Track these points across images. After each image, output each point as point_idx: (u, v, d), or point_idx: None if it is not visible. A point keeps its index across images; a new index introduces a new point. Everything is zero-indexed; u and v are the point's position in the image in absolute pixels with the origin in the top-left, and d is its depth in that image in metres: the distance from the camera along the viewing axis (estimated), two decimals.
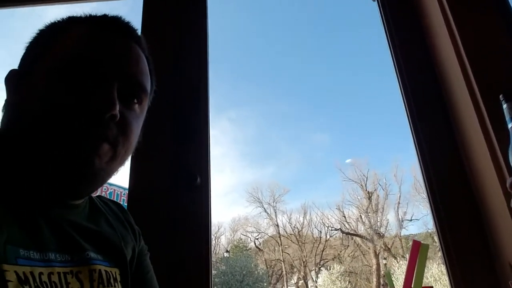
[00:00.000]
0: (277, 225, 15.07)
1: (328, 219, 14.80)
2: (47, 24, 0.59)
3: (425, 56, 1.17)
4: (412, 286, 0.56)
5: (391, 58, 1.21)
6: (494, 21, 1.02)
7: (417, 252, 0.56)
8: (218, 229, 15.54)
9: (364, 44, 18.40)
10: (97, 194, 0.69)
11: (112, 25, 0.58)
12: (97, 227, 0.58)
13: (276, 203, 15.11)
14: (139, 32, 0.63)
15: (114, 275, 0.56)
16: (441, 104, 1.11)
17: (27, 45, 0.58)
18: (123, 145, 0.54)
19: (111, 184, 8.13)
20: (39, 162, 0.49)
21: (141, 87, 0.59)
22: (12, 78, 0.57)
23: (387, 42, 1.23)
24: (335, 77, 18.65)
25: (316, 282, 13.87)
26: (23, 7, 1.40)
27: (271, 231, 15.30)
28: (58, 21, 0.59)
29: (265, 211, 15.14)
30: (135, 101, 0.58)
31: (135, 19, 1.20)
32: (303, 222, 15.06)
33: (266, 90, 19.33)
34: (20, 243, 0.44)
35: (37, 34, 0.59)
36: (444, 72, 1.11)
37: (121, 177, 1.10)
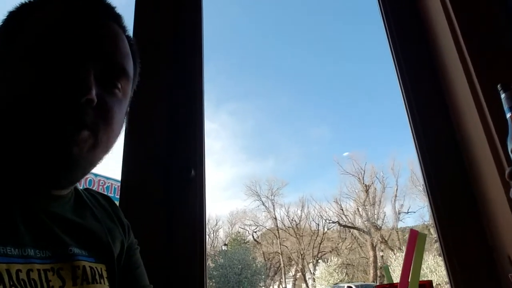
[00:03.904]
0: (275, 218, 15.11)
1: (326, 212, 14.85)
2: (18, 5, 0.55)
3: (424, 49, 1.15)
4: (410, 276, 0.54)
5: (390, 51, 1.19)
6: (492, 9, 1.01)
7: (415, 242, 0.54)
8: (216, 222, 15.58)
9: (363, 37, 18.33)
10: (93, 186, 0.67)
11: (87, 2, 0.54)
12: (82, 221, 0.55)
13: (274, 196, 15.13)
14: (122, 14, 0.59)
15: (100, 271, 0.54)
16: (440, 97, 1.10)
17: None
18: (105, 131, 0.50)
19: (108, 178, 8.13)
20: (15, 152, 0.46)
21: (121, 69, 0.54)
22: None
23: (386, 34, 1.21)
24: (334, 71, 18.59)
25: (313, 274, 13.95)
26: None
27: (269, 224, 15.35)
28: (29, 1, 0.55)
29: (263, 204, 15.16)
30: (116, 85, 0.54)
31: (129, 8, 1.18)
32: (301, 215, 15.11)
33: (265, 84, 19.26)
34: None
35: (7, 16, 0.55)
36: (443, 64, 1.09)
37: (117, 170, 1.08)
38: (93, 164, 0.52)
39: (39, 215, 0.49)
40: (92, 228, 0.56)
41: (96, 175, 7.91)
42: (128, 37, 0.59)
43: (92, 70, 0.49)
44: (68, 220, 0.53)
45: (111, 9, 0.57)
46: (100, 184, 8.02)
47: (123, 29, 0.58)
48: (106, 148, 0.54)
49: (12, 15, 0.55)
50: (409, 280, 0.53)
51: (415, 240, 0.53)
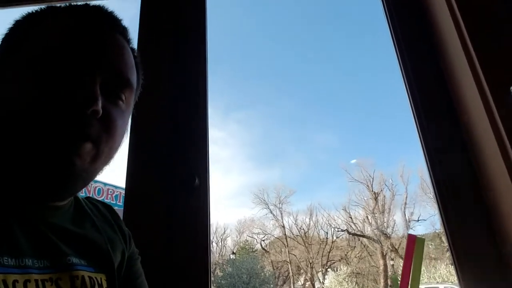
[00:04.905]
0: (283, 227, 15.03)
1: (335, 220, 14.74)
2: (24, 14, 0.56)
3: (432, 54, 1.14)
4: (410, 281, 0.53)
5: (397, 57, 1.18)
6: (497, 8, 0.99)
7: (413, 246, 0.54)
8: (224, 231, 15.56)
9: (371, 44, 18.33)
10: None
11: (93, 14, 0.55)
12: (81, 230, 0.55)
13: (282, 204, 15.08)
14: (125, 23, 0.59)
15: (100, 281, 0.53)
16: (448, 102, 1.08)
17: (2, 36, 0.55)
18: (107, 143, 0.50)
19: (116, 187, 8.17)
20: (15, 162, 0.46)
21: (126, 81, 0.55)
22: None
23: (392, 40, 1.20)
24: (341, 78, 18.58)
25: (323, 283, 13.79)
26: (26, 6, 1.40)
27: (277, 232, 15.27)
28: (36, 11, 0.56)
29: (271, 212, 15.10)
30: (120, 96, 0.54)
31: (132, 17, 1.19)
32: (309, 223, 15.01)
33: (273, 92, 19.31)
34: None
35: (13, 25, 0.55)
36: (451, 69, 1.08)
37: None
38: (94, 175, 0.52)
39: (38, 225, 0.48)
40: (91, 237, 0.55)
41: (105, 184, 7.98)
42: (132, 49, 0.60)
43: (98, 81, 0.49)
44: (67, 230, 0.52)
45: (117, 21, 0.58)
46: (109, 193, 8.08)
47: (128, 41, 0.59)
48: (107, 160, 0.54)
49: (18, 24, 0.55)
50: (409, 286, 0.53)
51: (413, 244, 0.53)
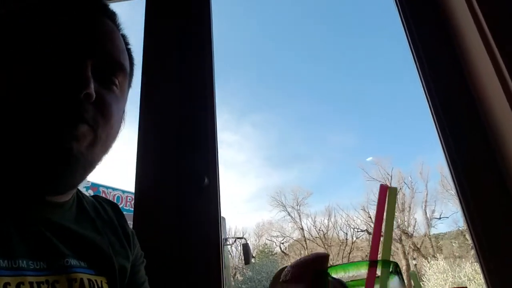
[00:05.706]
0: (302, 229, 14.92)
1: (354, 220, 14.55)
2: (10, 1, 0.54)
3: (448, 47, 1.10)
4: (382, 233, 0.49)
5: (411, 53, 1.15)
6: None
7: (385, 197, 0.49)
8: (243, 234, 15.52)
9: (386, 42, 18.09)
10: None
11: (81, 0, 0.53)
12: (82, 231, 0.53)
13: (299, 206, 14.97)
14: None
15: (100, 284, 0.51)
16: (468, 96, 1.05)
17: None
18: (104, 128, 0.49)
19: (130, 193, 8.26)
20: (9, 153, 0.44)
21: (118, 64, 0.54)
22: None
23: (406, 37, 1.17)
24: (356, 77, 18.39)
25: None
26: None
27: (296, 235, 15.15)
28: None
29: (289, 214, 15.01)
30: (113, 81, 0.53)
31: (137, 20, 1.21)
32: (328, 224, 14.85)
33: (287, 93, 19.23)
34: None
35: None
36: (469, 62, 1.05)
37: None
38: (93, 164, 0.51)
39: (36, 224, 0.47)
40: (92, 239, 0.54)
41: (123, 191, 8.07)
42: (123, 35, 0.59)
43: (89, 65, 0.49)
44: (67, 229, 0.51)
45: (105, 6, 0.57)
46: (128, 200, 8.17)
47: (117, 26, 0.58)
48: (105, 147, 0.52)
49: (6, 11, 0.54)
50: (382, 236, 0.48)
51: (385, 195, 0.48)
